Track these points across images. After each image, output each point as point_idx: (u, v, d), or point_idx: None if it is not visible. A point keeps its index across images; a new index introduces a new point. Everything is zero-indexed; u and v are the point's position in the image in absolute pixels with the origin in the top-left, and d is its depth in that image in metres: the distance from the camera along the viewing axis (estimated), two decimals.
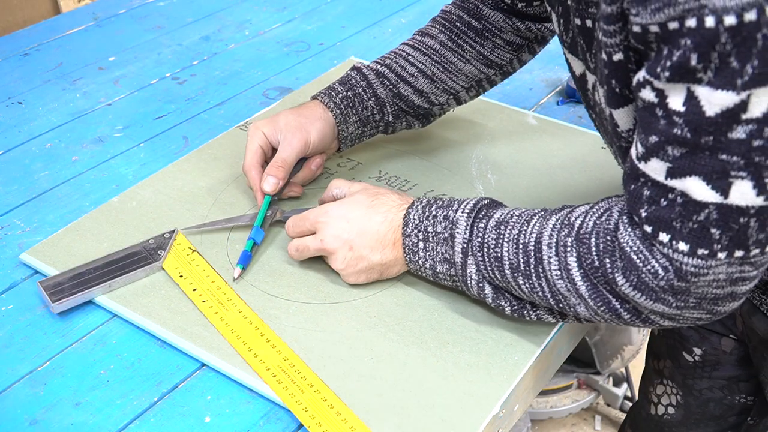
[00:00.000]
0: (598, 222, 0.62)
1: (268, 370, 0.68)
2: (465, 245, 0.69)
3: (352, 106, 0.87)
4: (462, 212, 0.70)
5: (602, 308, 0.63)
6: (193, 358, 0.71)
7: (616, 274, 0.59)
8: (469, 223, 0.69)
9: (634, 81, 0.55)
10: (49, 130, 1.03)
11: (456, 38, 0.87)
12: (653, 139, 0.54)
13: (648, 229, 0.57)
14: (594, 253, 0.61)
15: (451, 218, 0.70)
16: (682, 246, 0.55)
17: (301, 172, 0.87)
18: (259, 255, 0.81)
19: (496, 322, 0.73)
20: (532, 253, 0.65)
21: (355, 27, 1.29)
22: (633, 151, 0.58)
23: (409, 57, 0.88)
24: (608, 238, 0.60)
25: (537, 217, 0.67)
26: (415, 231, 0.72)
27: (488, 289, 0.69)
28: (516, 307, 0.70)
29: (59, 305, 0.74)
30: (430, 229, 0.71)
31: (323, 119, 0.85)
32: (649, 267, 0.57)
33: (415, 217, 0.72)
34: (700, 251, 0.55)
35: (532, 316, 0.70)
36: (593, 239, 0.61)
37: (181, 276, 0.77)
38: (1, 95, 1.11)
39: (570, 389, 1.66)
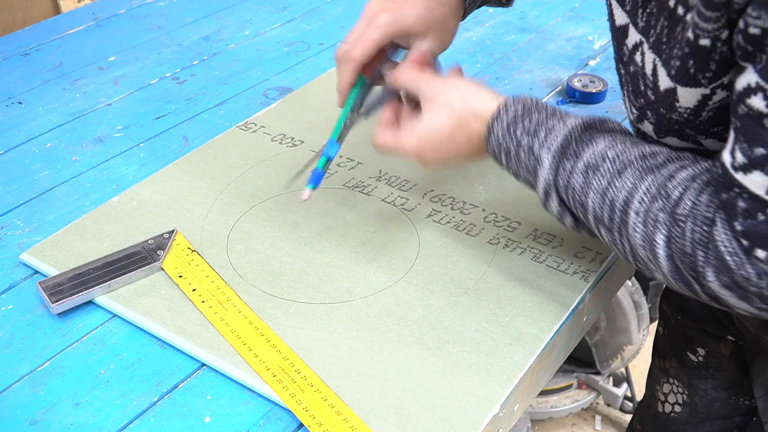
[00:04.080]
0: (697, 204, 0.57)
1: (268, 370, 0.68)
2: (547, 184, 0.67)
3: None
4: (548, 150, 0.67)
5: (680, 285, 0.60)
6: (193, 358, 0.71)
7: (707, 270, 0.56)
8: (554, 163, 0.66)
9: (740, 85, 0.52)
10: (49, 130, 1.03)
11: None
12: (760, 150, 0.51)
13: (745, 243, 0.54)
14: (688, 240, 0.57)
15: (535, 152, 0.67)
16: None
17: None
18: (259, 255, 0.81)
19: (496, 322, 0.73)
20: (618, 213, 0.62)
21: None
22: (727, 158, 0.55)
23: None
24: (704, 228, 0.56)
25: (631, 169, 0.62)
26: (496, 149, 0.70)
27: (568, 220, 0.69)
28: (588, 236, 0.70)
29: (59, 306, 0.74)
30: (512, 153, 0.69)
31: None
32: (743, 272, 0.54)
33: (499, 134, 0.69)
34: None
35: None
36: (689, 224, 0.57)
37: (180, 276, 0.77)
38: (1, 95, 1.11)
39: (570, 389, 1.66)
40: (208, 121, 1.05)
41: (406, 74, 0.75)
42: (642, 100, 0.65)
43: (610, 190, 0.63)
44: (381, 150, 0.75)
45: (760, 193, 0.52)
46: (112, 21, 1.31)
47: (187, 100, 1.10)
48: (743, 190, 0.53)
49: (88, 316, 0.75)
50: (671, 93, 0.60)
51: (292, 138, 0.99)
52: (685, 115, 0.61)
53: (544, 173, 0.67)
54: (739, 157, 0.53)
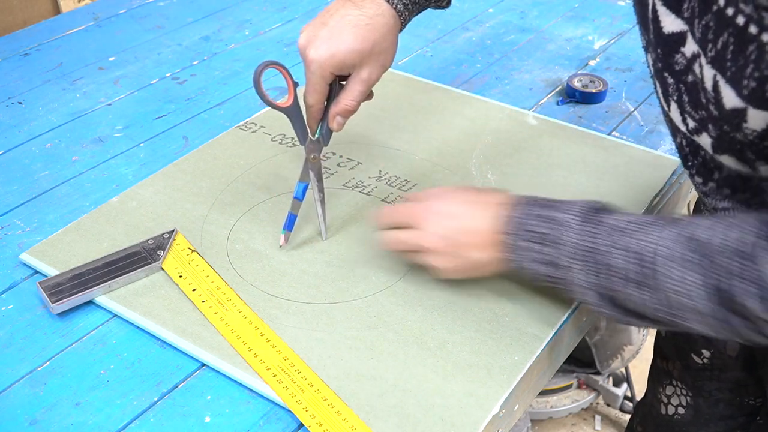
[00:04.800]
0: (727, 240, 0.58)
1: (269, 370, 0.68)
2: (573, 249, 0.66)
3: None
4: (572, 215, 0.67)
5: (722, 325, 0.60)
6: (193, 358, 0.71)
7: (747, 299, 0.56)
8: (579, 227, 0.66)
9: None
10: (49, 130, 1.03)
11: None
12: None
13: None
14: (724, 275, 0.57)
15: (559, 220, 0.67)
16: None
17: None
18: (259, 255, 0.81)
19: (496, 322, 0.73)
20: (649, 264, 0.61)
21: None
22: None
23: None
24: (737, 259, 0.57)
25: (654, 225, 0.63)
26: (517, 231, 0.69)
27: (593, 296, 0.66)
28: (622, 317, 0.67)
29: (59, 306, 0.74)
30: (534, 230, 0.68)
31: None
32: None
33: (518, 216, 0.69)
34: None
35: (639, 323, 0.67)
36: (720, 258, 0.58)
37: (180, 276, 0.77)
38: (1, 95, 1.11)
39: (570, 389, 1.66)
40: (208, 121, 1.05)
41: (382, 219, 0.76)
42: (704, 113, 0.63)
43: (638, 244, 0.62)
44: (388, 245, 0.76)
45: None
46: (112, 21, 1.31)
47: (187, 100, 1.10)
48: None
49: (88, 316, 0.75)
50: (740, 113, 0.58)
51: (292, 138, 0.99)
52: (751, 137, 0.59)
53: (570, 238, 0.66)
54: None
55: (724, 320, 0.59)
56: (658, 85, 0.67)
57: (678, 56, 0.63)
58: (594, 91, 1.08)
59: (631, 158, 0.95)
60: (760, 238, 0.57)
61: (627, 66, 1.17)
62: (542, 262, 0.68)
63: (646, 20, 0.65)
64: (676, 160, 0.95)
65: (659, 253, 0.61)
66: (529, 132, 1.01)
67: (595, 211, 0.67)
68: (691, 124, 0.65)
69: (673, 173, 0.93)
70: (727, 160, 0.64)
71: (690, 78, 0.63)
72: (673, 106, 0.66)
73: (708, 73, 0.59)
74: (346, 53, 0.74)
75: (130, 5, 1.36)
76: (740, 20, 0.54)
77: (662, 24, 0.63)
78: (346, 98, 0.77)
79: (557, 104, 1.08)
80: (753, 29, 0.53)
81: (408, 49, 1.22)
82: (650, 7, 0.65)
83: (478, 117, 1.03)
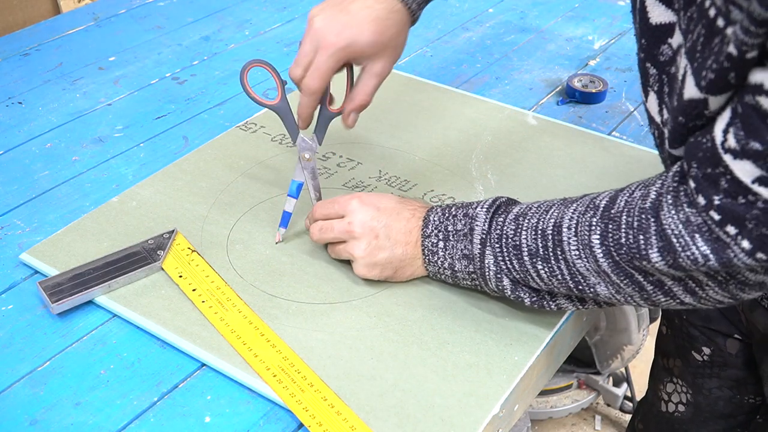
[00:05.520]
0: (629, 200, 0.62)
1: (269, 370, 0.68)
2: (483, 236, 0.70)
3: None
4: (481, 208, 0.71)
5: (625, 281, 0.63)
6: (193, 358, 0.71)
7: (650, 252, 0.59)
8: (488, 217, 0.70)
9: (757, 79, 0.52)
10: (49, 130, 1.03)
11: None
12: (756, 145, 0.52)
13: (716, 216, 0.55)
14: (623, 230, 0.61)
15: (470, 215, 0.71)
16: (746, 244, 0.55)
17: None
18: (259, 255, 0.81)
19: (496, 322, 0.73)
20: (550, 237, 0.66)
21: None
22: (718, 136, 0.55)
23: None
24: (643, 216, 0.60)
25: (556, 205, 0.68)
26: (435, 231, 0.73)
27: (506, 282, 0.70)
28: (535, 299, 0.70)
29: (59, 306, 0.74)
30: (450, 228, 0.72)
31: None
32: (688, 253, 0.57)
33: (435, 218, 0.74)
34: (759, 255, 0.55)
35: (552, 306, 0.70)
36: (624, 217, 0.61)
37: (180, 276, 0.77)
38: (1, 95, 1.11)
39: (570, 389, 1.66)
40: (208, 121, 1.05)
41: (317, 210, 0.79)
42: (660, 98, 0.66)
43: (540, 223, 0.67)
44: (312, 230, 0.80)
45: (746, 180, 0.54)
46: (112, 21, 1.31)
47: (187, 100, 1.10)
48: (728, 172, 0.54)
49: (88, 316, 0.75)
50: (698, 104, 0.59)
51: None
52: (704, 119, 0.59)
53: (479, 227, 0.70)
54: (732, 142, 0.54)
55: (628, 278, 0.62)
56: (640, 74, 0.69)
57: (665, 47, 0.64)
58: (594, 91, 1.08)
59: (631, 158, 0.95)
60: (665, 194, 0.59)
61: (627, 66, 1.17)
62: (459, 257, 0.72)
63: (635, 10, 0.67)
64: None
65: (561, 225, 0.65)
66: (529, 132, 1.01)
67: (504, 202, 0.72)
68: (665, 114, 0.66)
69: None
70: (679, 153, 0.64)
71: (673, 69, 0.64)
72: (652, 96, 0.68)
73: (682, 63, 0.60)
74: (365, 44, 0.75)
75: (130, 5, 1.36)
76: (712, 12, 0.55)
77: (649, 15, 0.64)
78: (362, 93, 0.79)
79: (557, 104, 1.08)
80: (720, 22, 0.54)
81: (408, 49, 1.21)
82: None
83: (478, 117, 1.03)
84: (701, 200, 0.56)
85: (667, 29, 0.63)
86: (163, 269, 0.78)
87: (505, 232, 0.69)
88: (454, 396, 0.67)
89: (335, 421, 0.64)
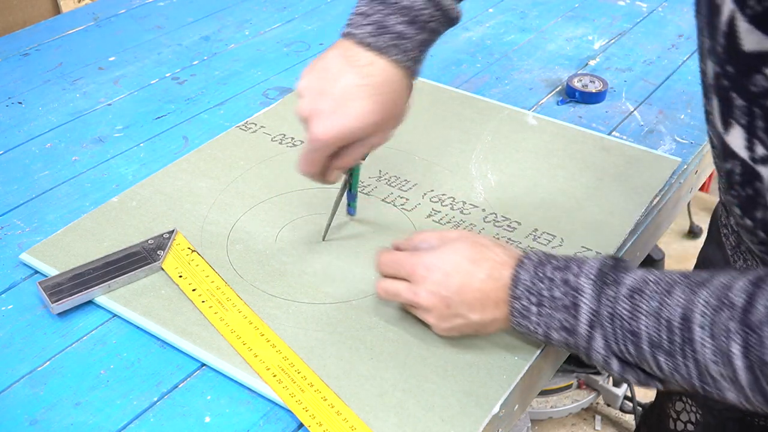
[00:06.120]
0: None
1: (268, 370, 0.68)
2: (592, 317, 0.61)
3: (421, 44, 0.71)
4: (586, 279, 0.62)
5: (760, 399, 0.55)
6: (193, 358, 0.71)
7: None
8: (596, 290, 0.61)
9: None
10: (49, 130, 1.03)
11: None
12: None
13: None
14: (767, 347, 0.52)
15: (572, 283, 0.62)
16: None
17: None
18: (259, 255, 0.81)
19: None
20: (678, 332, 0.57)
21: None
22: None
23: None
24: None
25: (680, 286, 0.58)
26: (527, 294, 0.64)
27: (615, 363, 0.62)
28: (644, 380, 0.62)
29: (59, 306, 0.74)
30: (545, 293, 0.63)
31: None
32: None
33: (526, 278, 0.64)
34: None
35: (659, 386, 0.63)
36: (766, 330, 0.52)
37: (180, 276, 0.77)
38: (1, 95, 1.11)
39: (570, 389, 1.66)
40: (208, 121, 1.05)
41: (383, 268, 0.72)
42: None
43: (664, 310, 0.57)
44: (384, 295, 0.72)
45: None
46: (112, 21, 1.31)
47: (187, 100, 1.10)
48: None
49: (88, 316, 0.75)
50: None
51: (292, 138, 0.99)
52: None
53: (587, 303, 0.61)
54: None
55: (764, 395, 0.54)
56: (715, 101, 0.60)
57: (759, 77, 0.54)
58: (594, 91, 1.08)
59: (631, 158, 0.95)
60: None
61: (627, 66, 1.17)
62: (557, 328, 0.64)
63: (715, 30, 0.57)
64: (676, 160, 0.95)
65: (691, 320, 0.56)
66: (529, 132, 1.01)
67: (611, 269, 0.62)
68: (761, 151, 0.58)
69: (673, 173, 0.93)
70: None
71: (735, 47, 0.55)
72: (737, 129, 0.58)
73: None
74: (354, 130, 0.69)
75: (130, 5, 1.36)
76: None
77: (742, 41, 0.54)
78: (348, 162, 0.74)
79: (557, 104, 1.08)
80: None
81: None
82: (724, 18, 0.55)
83: (478, 117, 1.03)
84: None
85: (764, 57, 0.54)
86: (163, 269, 0.78)
87: (618, 312, 0.59)
88: (454, 396, 0.67)
89: (335, 421, 0.64)
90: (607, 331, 0.61)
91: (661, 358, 0.58)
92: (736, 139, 0.59)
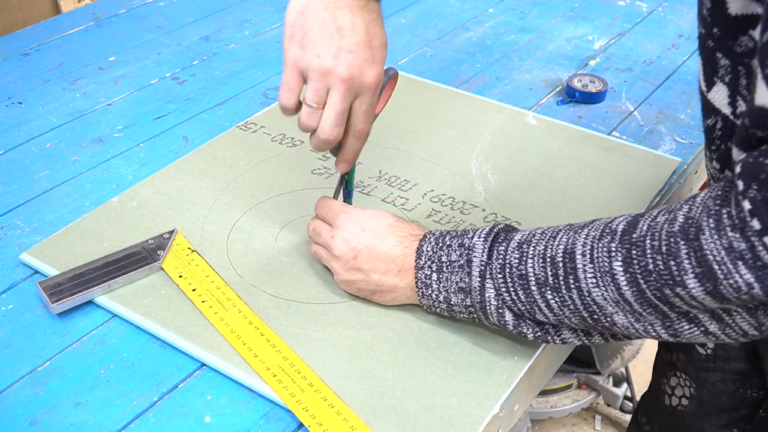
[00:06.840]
0: (653, 224, 0.57)
1: (268, 370, 0.68)
2: (482, 268, 0.66)
3: None
4: (478, 237, 0.67)
5: (648, 310, 0.58)
6: (193, 358, 0.71)
7: (686, 278, 0.54)
8: (486, 246, 0.66)
9: None
10: (49, 130, 1.03)
11: None
12: None
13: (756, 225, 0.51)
14: (649, 256, 0.56)
15: (466, 245, 0.67)
16: None
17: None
18: (259, 255, 0.81)
19: None
20: (561, 265, 0.61)
21: None
22: None
23: None
24: (672, 240, 0.55)
25: (563, 231, 0.63)
26: (428, 262, 0.69)
27: (509, 315, 0.66)
28: (539, 333, 0.66)
29: (59, 306, 0.74)
30: (444, 258, 0.68)
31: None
32: (731, 281, 0.53)
33: (428, 249, 0.70)
34: None
35: (556, 340, 0.66)
36: (648, 241, 0.56)
37: (180, 276, 0.77)
38: (1, 95, 1.11)
39: (570, 389, 1.66)
40: (208, 121, 1.05)
41: (317, 208, 0.78)
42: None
43: (548, 250, 0.62)
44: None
45: None
46: (112, 21, 1.31)
47: (187, 100, 1.10)
48: None
49: (88, 316, 0.75)
50: (763, 113, 0.54)
51: (292, 138, 0.99)
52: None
53: (478, 257, 0.66)
54: None
55: (651, 305, 0.57)
56: (701, 61, 0.64)
57: (744, 38, 0.59)
58: (594, 91, 1.08)
59: (631, 158, 0.95)
60: (707, 218, 0.54)
61: (627, 66, 1.17)
62: (455, 290, 0.68)
63: None
64: (676, 160, 0.95)
65: (574, 251, 0.61)
66: (529, 132, 1.01)
67: (502, 230, 0.68)
68: (743, 107, 0.61)
69: (673, 173, 0.93)
70: (737, 155, 0.61)
71: (753, 62, 0.58)
72: (719, 86, 0.63)
73: (755, 64, 0.55)
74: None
75: (130, 5, 1.36)
76: None
77: (728, 5, 0.59)
78: (360, 122, 0.73)
79: (557, 104, 1.08)
80: None
81: (408, 49, 1.22)
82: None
83: (478, 117, 1.03)
84: (756, 224, 0.51)
85: (748, 20, 0.58)
86: (163, 269, 0.78)
87: (508, 261, 0.64)
88: (454, 396, 0.67)
89: (335, 421, 0.64)
90: (498, 281, 0.65)
91: (549, 296, 0.62)
92: (720, 96, 0.63)
